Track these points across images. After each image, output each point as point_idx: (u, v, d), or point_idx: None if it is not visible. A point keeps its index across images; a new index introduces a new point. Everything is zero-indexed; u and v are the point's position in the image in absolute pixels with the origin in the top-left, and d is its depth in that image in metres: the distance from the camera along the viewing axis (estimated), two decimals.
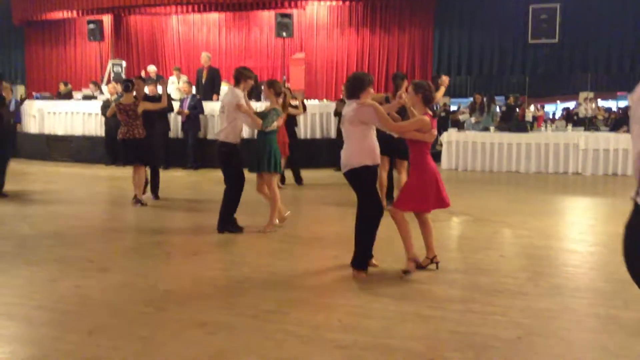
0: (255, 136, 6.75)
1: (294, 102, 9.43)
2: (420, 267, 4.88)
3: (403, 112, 7.60)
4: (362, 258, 4.80)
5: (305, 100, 12.62)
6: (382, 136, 5.08)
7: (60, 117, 13.65)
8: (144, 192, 8.39)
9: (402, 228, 4.77)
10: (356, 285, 4.58)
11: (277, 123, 6.52)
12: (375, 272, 4.90)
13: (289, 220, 6.89)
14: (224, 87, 13.85)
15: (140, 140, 8.06)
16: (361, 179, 4.74)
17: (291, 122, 9.55)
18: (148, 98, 8.69)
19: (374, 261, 4.98)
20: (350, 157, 4.74)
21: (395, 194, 7.32)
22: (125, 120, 8.04)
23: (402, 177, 7.26)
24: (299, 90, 11.56)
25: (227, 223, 6.47)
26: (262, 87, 7.18)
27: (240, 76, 6.38)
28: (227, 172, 6.45)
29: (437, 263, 4.91)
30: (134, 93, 8.24)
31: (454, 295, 4.35)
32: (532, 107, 18.63)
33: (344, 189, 4.78)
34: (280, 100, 6.63)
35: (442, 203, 4.87)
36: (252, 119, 6.33)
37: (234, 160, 6.41)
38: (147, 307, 4.11)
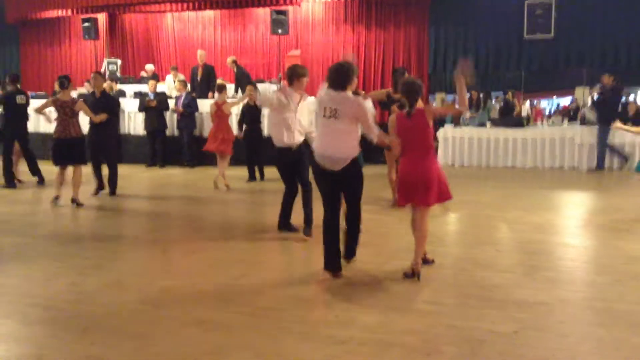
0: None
1: None
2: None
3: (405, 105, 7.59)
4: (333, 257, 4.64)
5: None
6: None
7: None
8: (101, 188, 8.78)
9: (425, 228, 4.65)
10: (353, 280, 4.57)
11: None
12: (371, 268, 4.90)
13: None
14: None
15: (75, 139, 7.93)
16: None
17: None
18: (105, 96, 8.74)
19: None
20: (351, 149, 4.56)
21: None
22: (62, 118, 7.89)
23: (391, 171, 7.25)
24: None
25: (309, 225, 6.03)
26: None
27: (294, 75, 5.79)
28: (300, 172, 6.00)
29: (431, 261, 4.90)
30: (71, 90, 8.19)
31: (450, 290, 4.36)
32: (527, 103, 18.63)
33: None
34: None
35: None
36: None
37: (304, 157, 5.93)
38: (143, 305, 4.11)
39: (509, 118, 12.71)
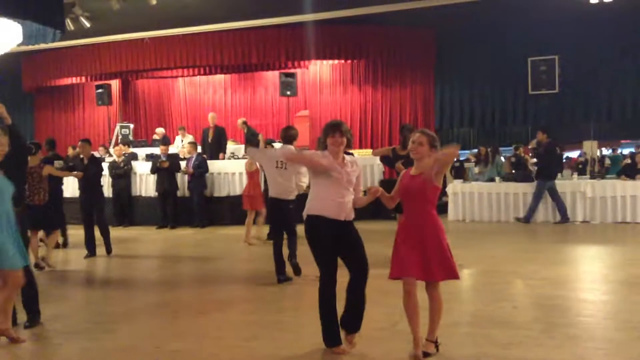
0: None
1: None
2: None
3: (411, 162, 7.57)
4: (329, 331, 4.26)
5: None
6: None
7: (69, 179, 13.73)
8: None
9: (442, 303, 4.15)
10: (364, 351, 4.47)
11: None
12: (387, 326, 4.80)
13: (301, 276, 6.81)
14: (231, 146, 14.05)
15: (39, 206, 7.81)
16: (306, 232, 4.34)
17: None
18: (92, 162, 9.02)
19: (352, 337, 4.34)
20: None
21: None
22: (29, 184, 7.78)
23: None
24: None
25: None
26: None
27: (293, 137, 6.72)
28: (291, 224, 6.81)
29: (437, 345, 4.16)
30: (39, 155, 8.15)
31: (467, 350, 4.25)
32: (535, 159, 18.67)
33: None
34: None
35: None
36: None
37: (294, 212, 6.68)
38: None
39: (518, 173, 12.71)
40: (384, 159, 7.65)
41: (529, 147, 11.91)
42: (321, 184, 4.25)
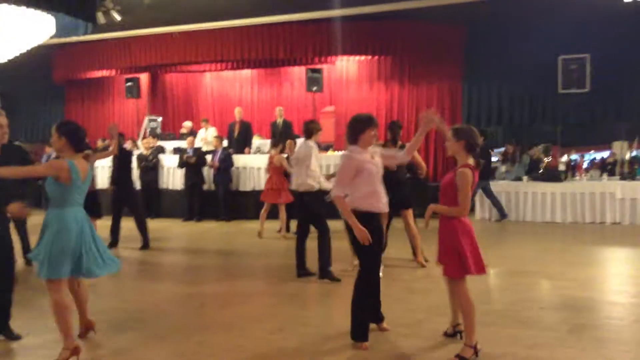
0: None
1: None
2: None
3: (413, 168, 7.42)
4: (363, 327, 4.31)
5: (335, 152, 12.79)
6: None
7: (97, 171, 13.94)
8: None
9: (467, 304, 4.04)
10: (389, 347, 4.47)
11: None
12: (412, 323, 4.79)
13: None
14: (257, 140, 14.12)
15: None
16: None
17: None
18: (124, 153, 9.16)
19: (384, 324, 4.63)
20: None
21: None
22: None
23: (412, 227, 7.08)
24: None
25: (328, 270, 6.50)
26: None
27: (313, 130, 6.79)
28: (317, 218, 6.60)
29: (460, 333, 4.32)
30: None
31: (493, 349, 4.21)
32: (564, 157, 18.36)
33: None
34: None
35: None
36: None
37: (320, 204, 6.59)
38: (180, 359, 4.09)
39: (546, 172, 12.50)
40: None
41: None
42: (361, 181, 4.30)
